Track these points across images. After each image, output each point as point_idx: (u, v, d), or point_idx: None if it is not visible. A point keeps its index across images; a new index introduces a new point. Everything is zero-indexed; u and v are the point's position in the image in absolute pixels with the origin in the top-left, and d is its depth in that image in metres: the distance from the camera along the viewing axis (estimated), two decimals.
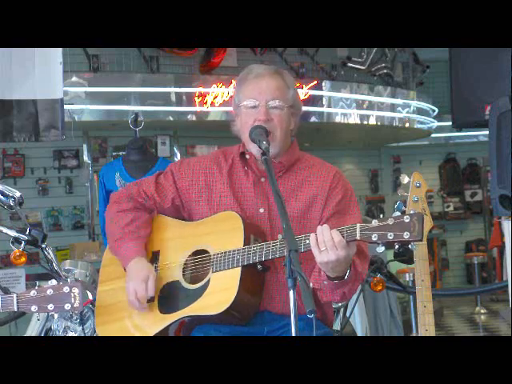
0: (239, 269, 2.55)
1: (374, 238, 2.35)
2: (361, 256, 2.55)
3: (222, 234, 2.64)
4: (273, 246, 2.53)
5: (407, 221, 2.32)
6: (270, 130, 2.65)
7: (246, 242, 2.58)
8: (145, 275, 2.66)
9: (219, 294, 2.56)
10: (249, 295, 2.58)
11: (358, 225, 2.38)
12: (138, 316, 2.70)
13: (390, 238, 2.33)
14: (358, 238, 2.37)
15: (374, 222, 2.35)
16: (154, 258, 2.76)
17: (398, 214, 2.42)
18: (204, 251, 2.67)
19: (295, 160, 2.75)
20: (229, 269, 2.57)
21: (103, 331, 2.78)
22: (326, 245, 2.37)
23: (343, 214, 2.64)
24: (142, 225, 2.79)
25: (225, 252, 2.59)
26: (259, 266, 2.58)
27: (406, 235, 2.32)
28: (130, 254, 2.73)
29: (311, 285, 2.59)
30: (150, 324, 2.66)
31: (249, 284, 2.57)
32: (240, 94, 2.72)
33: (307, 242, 2.44)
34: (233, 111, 2.81)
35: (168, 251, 2.75)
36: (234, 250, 2.58)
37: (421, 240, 2.34)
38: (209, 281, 2.61)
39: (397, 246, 2.41)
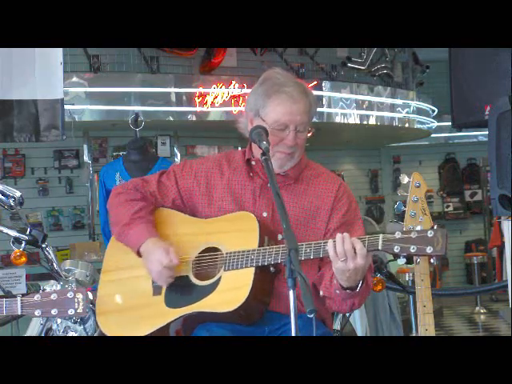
0: (252, 269, 2.55)
1: (397, 249, 2.37)
2: (369, 268, 2.56)
3: (236, 233, 2.64)
4: None
5: (431, 236, 2.34)
6: (293, 151, 2.68)
7: (261, 244, 2.58)
8: (165, 247, 2.65)
9: (230, 292, 2.56)
10: (259, 296, 2.58)
11: (381, 235, 2.39)
12: (144, 308, 2.69)
13: (413, 251, 2.35)
14: (380, 248, 2.39)
15: (397, 234, 2.37)
16: None
17: (419, 227, 2.43)
18: (215, 249, 2.66)
19: (301, 170, 2.77)
20: (242, 268, 2.56)
21: (105, 321, 2.76)
22: (346, 254, 2.38)
23: (349, 225, 2.65)
24: (150, 212, 2.79)
25: (238, 251, 2.59)
26: (272, 269, 2.58)
27: (429, 250, 2.34)
28: (143, 235, 2.70)
29: (321, 293, 2.60)
30: (156, 317, 2.65)
31: (261, 285, 2.57)
32: (266, 108, 2.67)
33: (326, 248, 2.44)
34: (243, 111, 2.80)
35: (179, 246, 2.72)
36: (248, 250, 2.57)
37: (444, 255, 2.36)
38: (220, 279, 2.60)
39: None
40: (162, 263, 2.62)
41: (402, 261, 2.43)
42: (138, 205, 2.78)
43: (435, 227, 2.40)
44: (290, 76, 2.76)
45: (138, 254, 2.72)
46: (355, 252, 2.38)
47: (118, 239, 2.81)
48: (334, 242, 2.41)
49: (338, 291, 2.51)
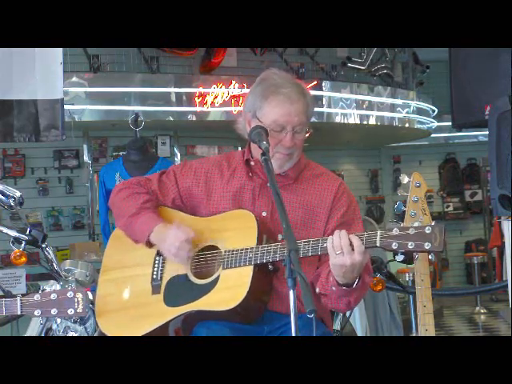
0: (251, 267, 2.55)
1: (395, 246, 2.37)
2: (366, 267, 2.56)
3: (235, 231, 2.64)
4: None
5: (428, 232, 2.34)
6: (291, 152, 2.68)
7: (259, 242, 2.58)
8: (176, 224, 2.65)
9: (229, 290, 2.56)
10: (258, 294, 2.58)
11: (379, 232, 2.39)
12: (143, 307, 2.70)
13: (411, 247, 2.35)
14: (377, 245, 2.39)
15: (395, 231, 2.37)
16: None
17: (417, 223, 2.43)
18: (214, 247, 2.67)
19: (301, 170, 2.77)
20: (240, 266, 2.57)
21: (104, 321, 2.75)
22: (342, 249, 2.38)
23: (349, 225, 2.64)
24: (155, 206, 2.79)
25: (237, 249, 2.59)
26: (270, 266, 2.58)
27: (427, 246, 2.34)
28: (152, 222, 2.69)
29: (317, 290, 2.60)
30: (156, 316, 2.66)
31: (259, 283, 2.57)
32: (263, 109, 2.67)
33: (325, 245, 2.44)
34: (242, 111, 2.80)
35: None
36: (246, 248, 2.57)
37: (441, 252, 2.36)
38: (218, 277, 2.60)
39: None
40: (180, 238, 2.61)
41: (400, 257, 2.44)
42: (144, 197, 2.78)
43: (433, 223, 2.40)
44: (288, 76, 2.75)
45: (148, 242, 2.71)
46: (353, 248, 2.38)
47: (125, 230, 2.80)
48: (332, 236, 2.41)
49: (334, 288, 2.51)
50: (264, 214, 2.70)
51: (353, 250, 2.38)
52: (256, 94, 2.70)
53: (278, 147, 2.66)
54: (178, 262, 2.67)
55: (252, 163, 2.76)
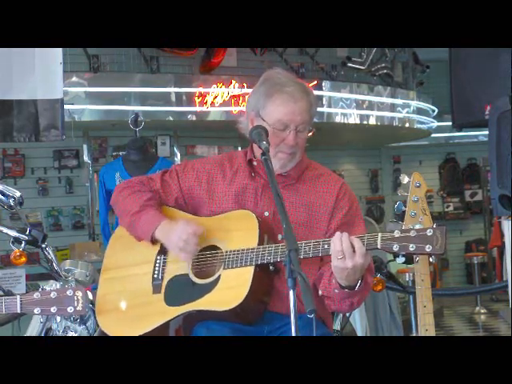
0: (252, 267, 2.55)
1: (396, 248, 2.36)
2: (368, 268, 2.55)
3: (236, 232, 2.64)
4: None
5: (430, 234, 2.33)
6: (294, 151, 2.68)
7: (260, 242, 2.58)
8: (184, 219, 2.66)
9: (230, 290, 2.56)
10: (259, 295, 2.58)
11: (380, 234, 2.39)
12: (144, 306, 2.70)
13: (412, 249, 2.35)
14: (378, 247, 2.38)
15: (396, 233, 2.36)
16: (163, 249, 2.74)
17: (418, 225, 2.42)
18: (215, 247, 2.67)
19: (303, 170, 2.77)
20: (241, 267, 2.57)
21: (105, 320, 2.75)
22: (344, 253, 2.38)
23: (350, 225, 2.64)
24: (159, 204, 2.78)
25: (238, 250, 2.59)
26: (271, 267, 2.58)
27: (428, 248, 2.33)
28: (156, 219, 2.69)
29: (320, 292, 2.59)
30: (156, 315, 2.66)
31: (260, 284, 2.57)
32: (267, 108, 2.67)
33: (325, 246, 2.44)
34: (244, 111, 2.79)
35: None
36: (247, 249, 2.57)
37: (443, 254, 2.35)
38: (219, 277, 2.60)
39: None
40: (188, 231, 2.61)
41: (400, 259, 2.43)
42: (147, 195, 2.77)
43: (434, 225, 2.40)
44: (291, 76, 2.76)
45: (152, 239, 2.70)
46: (354, 250, 2.38)
47: (128, 229, 2.79)
48: (333, 240, 2.41)
49: (336, 290, 2.51)
50: (266, 214, 2.70)
51: (354, 252, 2.38)
52: (260, 92, 2.70)
53: (281, 146, 2.66)
54: (183, 258, 2.66)
55: (254, 163, 2.76)
